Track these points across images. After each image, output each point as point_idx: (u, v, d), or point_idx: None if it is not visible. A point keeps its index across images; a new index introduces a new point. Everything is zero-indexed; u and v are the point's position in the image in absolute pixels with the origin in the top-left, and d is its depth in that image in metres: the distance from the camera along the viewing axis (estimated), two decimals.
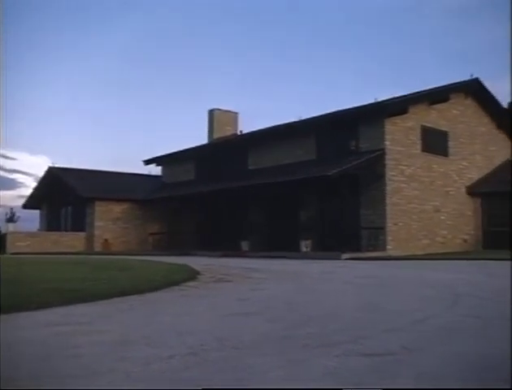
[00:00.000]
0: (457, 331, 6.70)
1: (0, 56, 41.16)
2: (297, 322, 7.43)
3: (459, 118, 30.95)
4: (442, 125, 29.70)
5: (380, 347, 5.80)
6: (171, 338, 6.49)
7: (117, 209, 37.88)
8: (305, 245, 27.17)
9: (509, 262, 19.49)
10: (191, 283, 12.83)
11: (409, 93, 28.89)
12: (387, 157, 26.39)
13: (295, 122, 32.48)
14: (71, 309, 8.88)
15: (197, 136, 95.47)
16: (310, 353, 5.58)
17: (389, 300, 9.90)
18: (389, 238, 25.97)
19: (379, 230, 25.91)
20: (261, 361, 5.26)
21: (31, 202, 44.21)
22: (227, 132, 42.92)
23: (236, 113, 44.90)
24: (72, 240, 36.94)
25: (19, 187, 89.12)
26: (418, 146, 28.26)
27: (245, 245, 30.77)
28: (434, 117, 29.31)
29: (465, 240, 30.25)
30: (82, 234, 37.53)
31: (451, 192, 29.91)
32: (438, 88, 29.16)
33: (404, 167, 27.25)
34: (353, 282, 13.56)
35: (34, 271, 14.97)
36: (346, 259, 23.29)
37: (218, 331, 6.80)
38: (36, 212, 45.38)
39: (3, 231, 37.49)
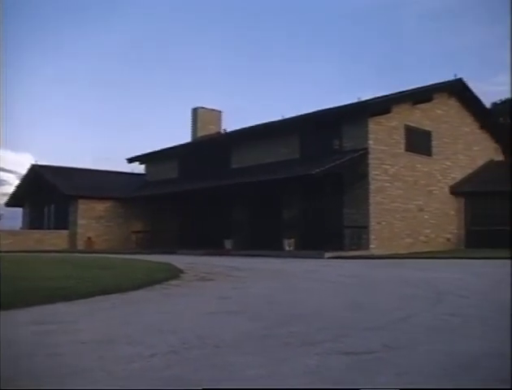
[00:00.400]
0: (439, 330, 6.72)
1: None
2: (279, 321, 7.43)
3: (443, 118, 31.08)
4: (426, 125, 29.81)
5: (361, 345, 5.81)
6: (153, 337, 6.48)
7: (100, 207, 37.72)
8: (288, 244, 27.19)
9: (491, 261, 19.66)
10: (174, 282, 12.81)
11: (392, 92, 28.99)
12: (370, 156, 26.45)
13: (278, 121, 32.49)
14: (53, 307, 8.83)
15: (180, 135, 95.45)
16: (292, 351, 5.59)
17: (371, 299, 9.93)
18: (372, 237, 26.03)
19: (363, 229, 25.96)
20: (242, 359, 5.26)
21: (14, 200, 43.95)
22: (211, 130, 42.85)
23: (219, 111, 44.84)
24: (55, 239, 36.74)
25: (3, 185, 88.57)
26: (402, 146, 28.35)
27: (228, 244, 30.75)
28: (417, 117, 29.41)
29: (448, 239, 30.40)
30: (65, 232, 37.33)
31: (434, 192, 30.03)
32: (421, 87, 29.25)
33: (387, 167, 27.32)
34: (336, 281, 13.58)
35: (16, 270, 14.88)
36: (329, 258, 23.32)
37: (199, 330, 6.80)
38: (19, 210, 45.14)
39: None
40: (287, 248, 27.07)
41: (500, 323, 7.15)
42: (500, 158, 34.99)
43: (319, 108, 30.20)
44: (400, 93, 28.65)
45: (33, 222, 42.23)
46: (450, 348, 5.73)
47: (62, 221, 38.13)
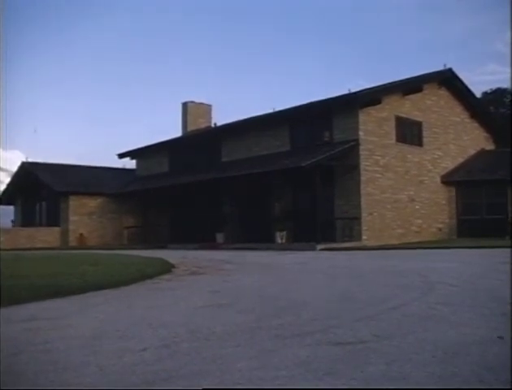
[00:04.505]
0: (429, 319, 6.74)
1: None
2: (269, 313, 7.45)
3: (433, 108, 31.11)
4: (416, 115, 29.83)
5: (352, 336, 5.83)
6: (144, 331, 6.49)
7: (91, 203, 37.61)
8: (280, 237, 27.22)
9: (481, 250, 19.72)
10: (165, 277, 12.85)
11: (382, 83, 28.95)
12: (361, 147, 26.44)
13: (269, 114, 32.43)
14: (43, 304, 8.82)
15: (171, 129, 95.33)
16: (282, 342, 5.61)
17: (362, 289, 9.95)
18: (364, 228, 26.06)
19: (354, 220, 25.99)
20: (232, 351, 5.28)
21: (5, 198, 43.77)
22: (201, 124, 42.80)
23: (209, 105, 44.75)
24: (47, 236, 36.64)
25: None
26: (393, 136, 28.36)
27: (220, 238, 30.78)
28: (408, 107, 29.42)
29: (439, 229, 30.47)
30: (57, 229, 37.24)
31: (425, 182, 30.08)
32: (411, 78, 29.26)
33: (378, 157, 27.33)
34: (327, 272, 13.61)
35: (6, 267, 14.84)
36: (321, 250, 23.36)
37: (190, 323, 6.81)
38: (11, 208, 44.98)
39: None
40: (279, 240, 27.10)
41: (489, 311, 7.18)
42: (491, 147, 35.08)
43: (310, 100, 30.21)
44: (390, 83, 28.65)
45: (25, 219, 42.13)
46: (440, 336, 5.76)
47: (54, 218, 38.03)
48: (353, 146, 26.37)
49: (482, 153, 33.77)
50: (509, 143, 32.66)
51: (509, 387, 4.07)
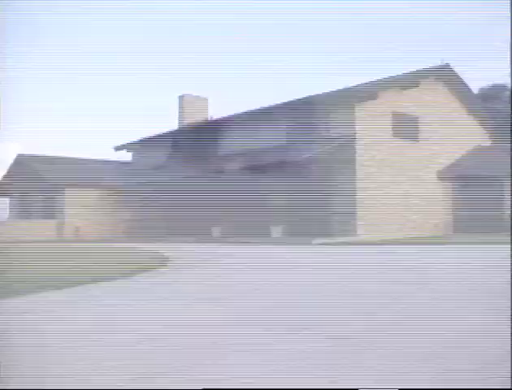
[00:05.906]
0: (425, 314, 6.75)
1: None
2: (265, 308, 7.44)
3: (430, 103, 31.10)
4: (413, 110, 29.82)
5: (348, 330, 5.83)
6: (140, 323, 6.48)
7: (88, 196, 37.57)
8: (276, 231, 27.21)
9: (477, 246, 19.74)
10: (161, 270, 12.84)
11: (379, 78, 28.96)
12: (358, 142, 26.46)
13: (266, 107, 32.41)
14: (39, 296, 8.80)
15: (167, 122, 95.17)
16: (276, 336, 5.60)
17: (358, 284, 9.95)
18: (360, 223, 26.09)
19: (350, 215, 26.01)
20: (228, 345, 5.27)
21: (0, 191, 43.66)
22: (198, 117, 42.74)
23: (206, 98, 44.74)
24: (42, 229, 36.60)
25: None
26: (389, 131, 28.36)
27: (216, 231, 30.78)
28: (405, 102, 29.42)
29: (436, 225, 30.49)
30: (53, 222, 37.21)
31: (422, 177, 30.10)
32: (408, 73, 29.26)
33: (375, 152, 27.34)
34: (323, 266, 13.61)
35: (1, 260, 14.83)
36: (317, 244, 23.37)
37: (186, 316, 6.83)
38: (7, 201, 44.86)
39: None
40: (275, 235, 27.10)
41: (486, 307, 7.18)
42: (487, 142, 35.09)
43: (307, 94, 30.17)
44: (387, 78, 28.65)
45: (21, 212, 42.05)
46: (437, 331, 5.76)
47: (50, 210, 37.99)
48: (350, 141, 26.38)
49: (478, 148, 33.78)
50: (505, 139, 32.66)
51: (507, 382, 4.06)
